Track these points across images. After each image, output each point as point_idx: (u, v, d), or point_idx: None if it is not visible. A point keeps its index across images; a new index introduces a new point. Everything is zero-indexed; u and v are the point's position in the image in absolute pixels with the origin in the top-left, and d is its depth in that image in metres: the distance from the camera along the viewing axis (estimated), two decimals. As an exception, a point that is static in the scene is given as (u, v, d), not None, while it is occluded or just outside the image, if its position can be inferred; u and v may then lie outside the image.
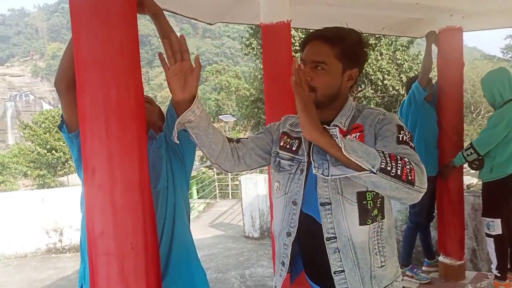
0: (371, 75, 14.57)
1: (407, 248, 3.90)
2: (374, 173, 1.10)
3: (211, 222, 8.20)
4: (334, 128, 1.12)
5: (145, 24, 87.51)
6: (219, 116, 16.85)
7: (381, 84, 14.93)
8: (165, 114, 1.73)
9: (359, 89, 15.64)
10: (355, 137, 1.35)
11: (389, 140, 1.29)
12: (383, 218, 1.39)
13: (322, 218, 1.35)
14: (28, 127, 29.32)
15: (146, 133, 1.47)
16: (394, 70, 14.79)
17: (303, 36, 15.13)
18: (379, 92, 15.72)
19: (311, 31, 1.48)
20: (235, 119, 21.37)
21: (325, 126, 1.15)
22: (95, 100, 1.35)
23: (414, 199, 1.19)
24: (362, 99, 15.60)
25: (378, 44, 14.53)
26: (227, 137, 1.49)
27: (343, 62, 1.39)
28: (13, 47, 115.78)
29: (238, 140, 1.53)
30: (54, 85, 1.63)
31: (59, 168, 29.41)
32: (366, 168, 1.10)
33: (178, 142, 1.34)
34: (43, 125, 29.67)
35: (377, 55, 14.43)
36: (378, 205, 1.37)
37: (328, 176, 1.14)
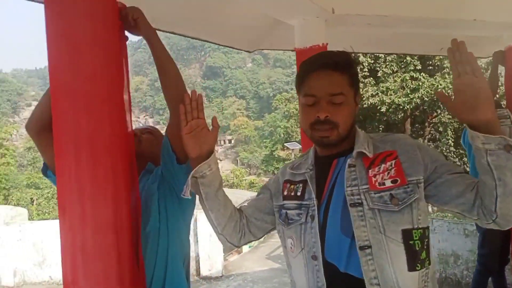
0: (447, 99, 13.67)
1: (476, 296, 3.42)
2: None
3: (269, 254, 7.92)
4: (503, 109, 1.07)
5: (219, 56, 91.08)
6: (285, 144, 16.72)
7: (458, 108, 13.96)
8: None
9: (434, 114, 14.77)
10: (391, 164, 1.18)
11: (450, 164, 1.21)
12: (429, 263, 1.16)
13: (362, 265, 1.12)
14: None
15: (127, 168, 1.32)
16: (472, 94, 13.74)
17: (372, 62, 14.57)
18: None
19: (307, 61, 1.28)
20: (301, 146, 21.17)
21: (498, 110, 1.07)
22: (66, 132, 1.24)
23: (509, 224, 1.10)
24: (438, 124, 14.71)
25: (454, 68, 13.66)
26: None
27: (354, 88, 1.24)
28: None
29: (239, 210, 1.39)
30: (26, 128, 1.56)
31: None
32: None
33: (190, 196, 1.27)
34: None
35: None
36: (425, 247, 1.15)
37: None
